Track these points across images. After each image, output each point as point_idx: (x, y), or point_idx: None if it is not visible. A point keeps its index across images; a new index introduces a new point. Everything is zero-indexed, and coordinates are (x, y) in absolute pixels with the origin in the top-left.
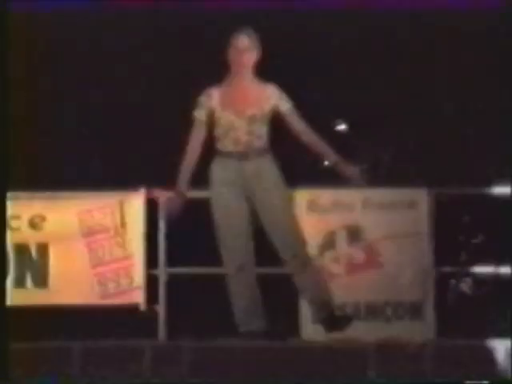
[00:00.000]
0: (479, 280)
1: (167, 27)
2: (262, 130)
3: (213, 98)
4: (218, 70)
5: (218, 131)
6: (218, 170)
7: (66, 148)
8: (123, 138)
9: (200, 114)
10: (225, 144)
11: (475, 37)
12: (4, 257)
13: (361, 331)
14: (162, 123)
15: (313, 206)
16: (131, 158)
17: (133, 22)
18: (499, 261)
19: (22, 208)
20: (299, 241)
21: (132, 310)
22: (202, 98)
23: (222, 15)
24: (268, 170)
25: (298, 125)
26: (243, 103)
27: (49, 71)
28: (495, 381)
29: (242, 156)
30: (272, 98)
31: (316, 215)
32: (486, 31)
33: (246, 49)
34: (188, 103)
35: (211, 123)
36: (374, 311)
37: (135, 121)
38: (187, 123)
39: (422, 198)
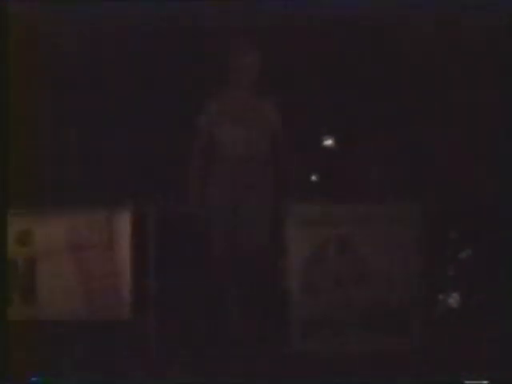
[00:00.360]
0: (468, 293)
1: (167, 38)
2: (260, 141)
3: (212, 108)
4: (214, 84)
5: (216, 140)
6: (214, 178)
7: (54, 164)
8: (112, 153)
9: (200, 124)
10: (222, 153)
11: (471, 53)
12: (4, 271)
13: (350, 343)
14: (151, 138)
15: (302, 219)
16: (119, 173)
17: (132, 35)
18: (488, 274)
19: (9, 223)
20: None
21: (120, 325)
22: (202, 108)
23: (223, 28)
24: (260, 180)
25: (278, 142)
26: (242, 113)
27: (41, 90)
28: (495, 381)
29: (238, 165)
30: (267, 113)
31: (305, 229)
32: (486, 45)
33: (246, 64)
34: (178, 119)
35: (211, 132)
36: (363, 324)
37: (123, 136)
38: (176, 139)
39: (410, 212)
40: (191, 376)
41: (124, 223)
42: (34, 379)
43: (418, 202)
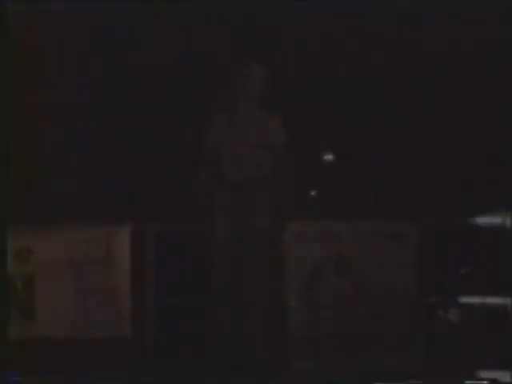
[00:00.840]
0: (467, 311)
1: (172, 51)
2: (264, 159)
3: (218, 125)
4: (218, 99)
5: (222, 158)
6: (218, 197)
7: (54, 181)
8: (110, 171)
9: (208, 141)
10: (226, 171)
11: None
12: (5, 288)
13: (350, 361)
14: (149, 157)
15: (300, 237)
16: (118, 190)
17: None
18: (487, 291)
19: (8, 240)
20: (267, 277)
21: (120, 342)
22: (209, 126)
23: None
24: (266, 199)
25: (280, 163)
26: (247, 131)
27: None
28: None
29: (243, 184)
30: (272, 128)
31: (304, 246)
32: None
33: (253, 79)
34: (177, 137)
35: (217, 150)
36: (361, 343)
37: (123, 155)
38: (173, 157)
39: (408, 229)
40: None
41: (123, 239)
42: (14, 379)
43: (416, 218)
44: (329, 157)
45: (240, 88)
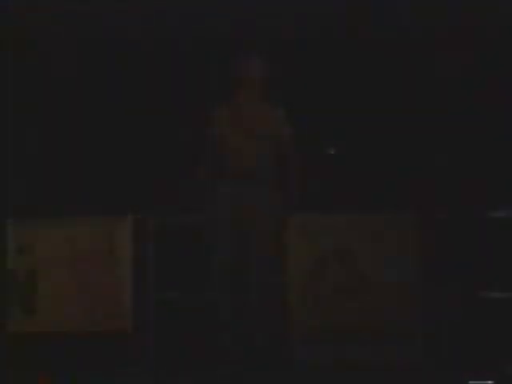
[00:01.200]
0: (468, 303)
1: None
2: (267, 152)
3: (222, 116)
4: (219, 90)
5: (224, 150)
6: (220, 190)
7: (55, 174)
8: (112, 163)
9: (212, 131)
10: (229, 163)
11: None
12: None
13: (350, 353)
14: (150, 149)
15: (303, 231)
16: (119, 183)
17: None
18: (488, 284)
19: (10, 235)
20: (269, 271)
21: (120, 336)
22: (213, 115)
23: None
24: (267, 194)
25: (288, 153)
26: (250, 123)
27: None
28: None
29: (245, 176)
30: (277, 119)
31: (306, 240)
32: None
33: (257, 70)
34: (176, 129)
35: (221, 141)
36: (363, 334)
37: (123, 147)
38: (175, 149)
39: (410, 222)
40: None
41: (124, 234)
42: None
43: (417, 212)
44: (331, 149)
45: (243, 79)
